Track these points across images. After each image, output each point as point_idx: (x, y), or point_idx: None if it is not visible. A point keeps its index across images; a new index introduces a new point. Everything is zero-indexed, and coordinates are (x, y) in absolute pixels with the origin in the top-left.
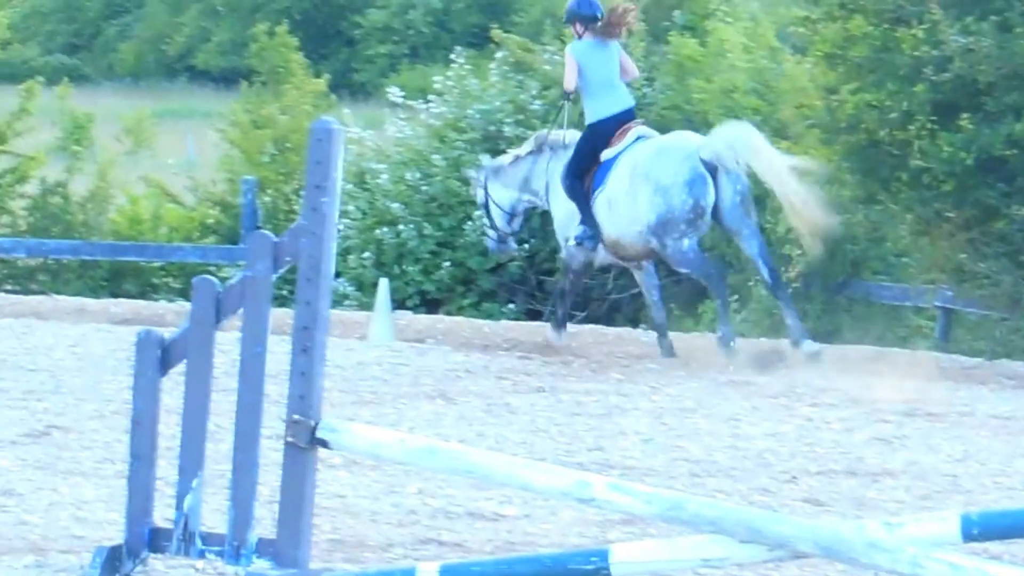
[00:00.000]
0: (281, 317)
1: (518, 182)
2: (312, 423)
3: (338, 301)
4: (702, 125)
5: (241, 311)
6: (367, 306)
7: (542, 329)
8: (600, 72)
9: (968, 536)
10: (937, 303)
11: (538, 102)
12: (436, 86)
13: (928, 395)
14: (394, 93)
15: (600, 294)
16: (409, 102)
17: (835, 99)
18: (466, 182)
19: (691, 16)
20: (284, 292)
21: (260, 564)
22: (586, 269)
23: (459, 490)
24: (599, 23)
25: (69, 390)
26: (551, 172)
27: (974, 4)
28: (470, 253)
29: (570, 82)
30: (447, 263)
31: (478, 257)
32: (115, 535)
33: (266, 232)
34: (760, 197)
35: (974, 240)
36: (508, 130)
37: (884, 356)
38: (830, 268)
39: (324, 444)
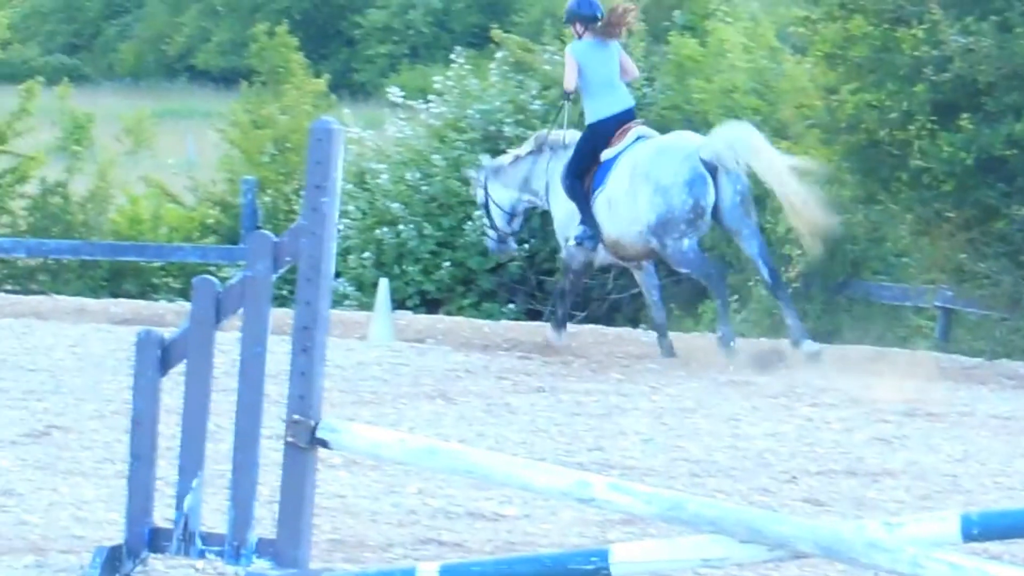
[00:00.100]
0: (281, 317)
1: (518, 182)
2: (312, 423)
3: (338, 301)
4: (702, 125)
5: (241, 311)
6: (367, 306)
7: (542, 329)
8: (600, 72)
9: (968, 536)
10: (937, 303)
11: (538, 102)
12: (436, 86)
13: (928, 395)
14: (394, 93)
15: (600, 294)
16: (409, 102)
17: (835, 99)
18: (466, 182)
19: (691, 16)
20: (284, 292)
21: (260, 564)
22: (586, 269)
23: (459, 490)
24: (599, 23)
25: (69, 390)
26: (551, 172)
27: (974, 4)
28: (470, 253)
29: (570, 82)
30: (447, 263)
31: (478, 257)
32: (115, 535)
33: (266, 232)
34: (760, 197)
35: (974, 240)
36: (508, 130)
37: (884, 356)
38: (830, 268)
39: (324, 444)
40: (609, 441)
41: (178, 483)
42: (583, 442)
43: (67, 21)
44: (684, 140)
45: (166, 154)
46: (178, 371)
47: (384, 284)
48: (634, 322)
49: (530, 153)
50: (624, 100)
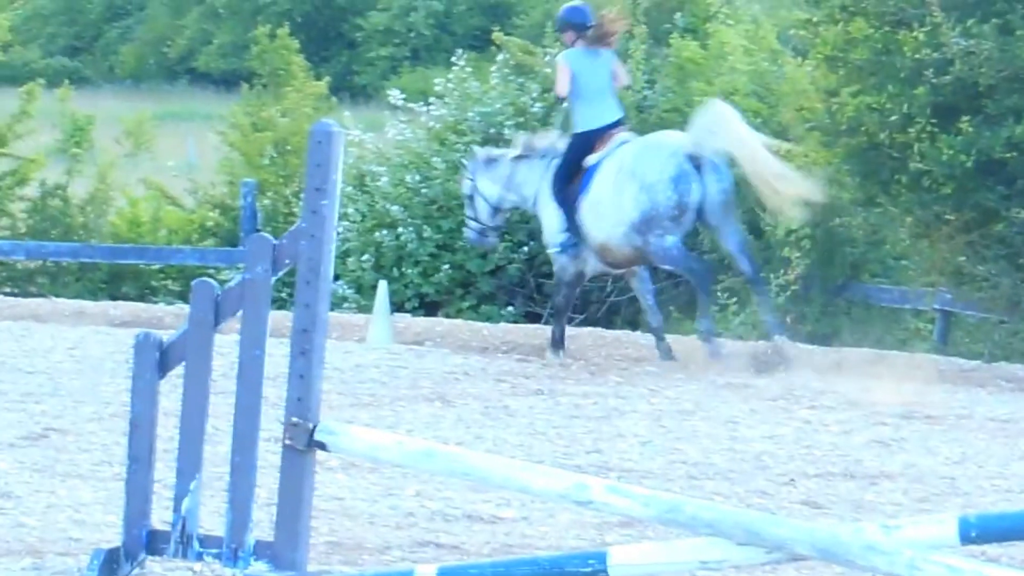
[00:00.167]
0: (280, 319)
1: (506, 181)
2: (310, 425)
3: (337, 304)
4: None
5: (240, 314)
6: (366, 309)
7: (541, 332)
8: (592, 81)
9: (966, 539)
10: (936, 306)
11: (539, 105)
12: (437, 88)
13: (926, 398)
14: (395, 95)
15: (599, 297)
16: (409, 104)
17: (836, 102)
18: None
19: (692, 19)
20: (283, 295)
21: (258, 566)
22: (578, 281)
23: (457, 492)
24: (590, 32)
25: (67, 392)
26: (541, 179)
27: (975, 6)
28: (469, 256)
29: (562, 88)
30: (446, 266)
31: (477, 260)
32: (113, 537)
33: (265, 235)
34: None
35: (973, 243)
36: (508, 133)
37: (883, 359)
38: (829, 271)
39: (322, 447)
40: (607, 443)
41: (176, 485)
42: (581, 444)
43: (68, 23)
44: (669, 138)
45: (166, 156)
46: (176, 374)
47: (383, 287)
48: (633, 325)
49: (521, 157)
50: (614, 112)
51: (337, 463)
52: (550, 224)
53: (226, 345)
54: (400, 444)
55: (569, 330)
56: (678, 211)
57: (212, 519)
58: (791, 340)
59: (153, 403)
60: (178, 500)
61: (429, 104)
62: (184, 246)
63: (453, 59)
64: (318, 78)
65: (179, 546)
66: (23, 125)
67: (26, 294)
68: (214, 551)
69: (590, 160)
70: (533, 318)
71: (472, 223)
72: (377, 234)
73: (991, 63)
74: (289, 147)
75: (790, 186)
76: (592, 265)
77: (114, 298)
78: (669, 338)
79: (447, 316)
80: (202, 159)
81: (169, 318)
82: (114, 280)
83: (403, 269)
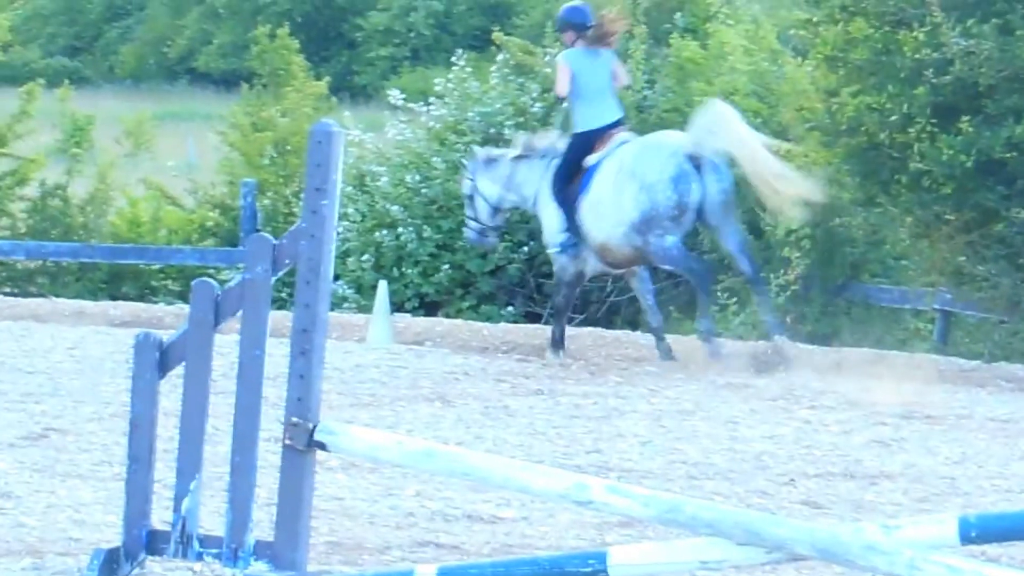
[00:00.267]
0: (280, 319)
1: (506, 181)
2: (310, 425)
3: (337, 304)
4: None
5: (240, 313)
6: (366, 308)
7: (541, 332)
8: (592, 81)
9: (966, 539)
10: (936, 306)
11: (539, 105)
12: (437, 88)
13: (926, 398)
14: (395, 95)
15: (599, 297)
16: (409, 104)
17: (836, 102)
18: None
19: (692, 19)
20: (283, 295)
21: (258, 566)
22: (578, 281)
23: (457, 492)
24: (590, 32)
25: (67, 392)
26: (541, 179)
27: (975, 6)
28: (469, 256)
29: (562, 87)
30: (446, 266)
31: (477, 260)
32: (113, 538)
33: (265, 235)
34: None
35: (973, 243)
36: (509, 133)
37: (883, 359)
38: (829, 271)
39: (322, 447)
40: (607, 444)
41: (176, 485)
42: (581, 444)
43: (68, 23)
44: (669, 138)
45: (166, 156)
46: (176, 373)
47: (383, 287)
48: (633, 325)
49: (521, 157)
50: (614, 112)
51: (337, 463)
52: (550, 224)
53: (226, 345)
54: (400, 444)
55: (569, 330)
56: (678, 211)
57: (212, 519)
58: (791, 340)
59: (153, 403)
60: (178, 500)
61: (429, 104)
62: (184, 246)
63: (453, 59)
64: (318, 78)
65: (179, 546)
66: (23, 125)
67: (26, 294)
68: (214, 551)
69: (590, 160)
70: (533, 318)
71: (472, 223)
72: (377, 234)
73: (991, 63)
74: (289, 147)
75: (790, 186)
76: (592, 265)
77: (114, 298)
78: (669, 338)
79: (447, 316)
80: (202, 159)
81: (169, 318)
82: (114, 280)
83: (403, 269)
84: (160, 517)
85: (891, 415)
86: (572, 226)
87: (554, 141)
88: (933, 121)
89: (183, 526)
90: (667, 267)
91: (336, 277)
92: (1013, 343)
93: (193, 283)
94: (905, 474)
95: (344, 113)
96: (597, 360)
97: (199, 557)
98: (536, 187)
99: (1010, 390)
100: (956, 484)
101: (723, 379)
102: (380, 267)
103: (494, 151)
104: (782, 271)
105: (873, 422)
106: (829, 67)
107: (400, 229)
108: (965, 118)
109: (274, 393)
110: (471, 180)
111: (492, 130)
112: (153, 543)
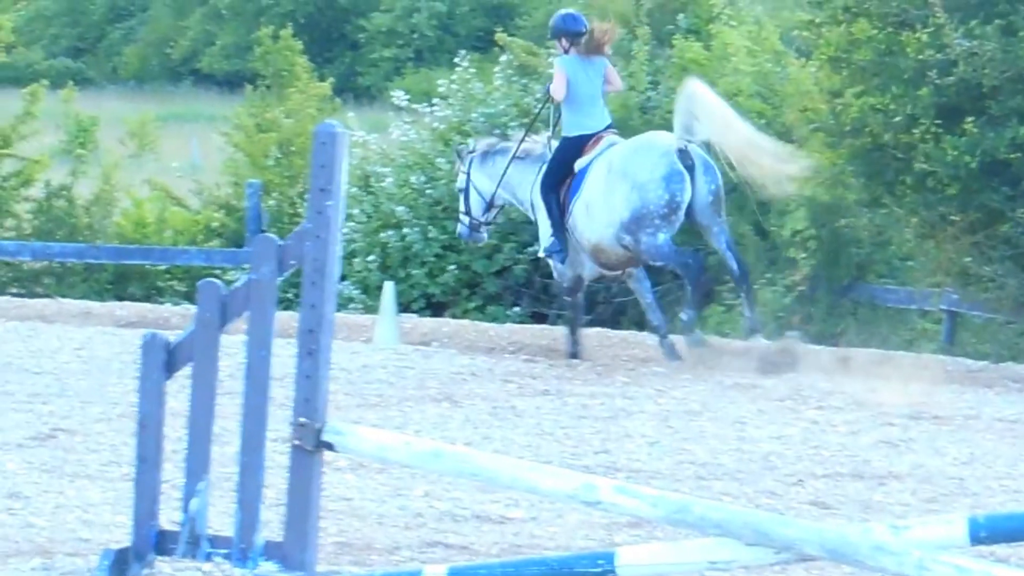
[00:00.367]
0: (286, 320)
1: (500, 179)
2: (318, 426)
3: (343, 304)
4: None
5: (246, 314)
6: (372, 309)
7: (547, 332)
8: (585, 88)
9: (975, 539)
10: (942, 306)
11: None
12: (440, 89)
13: (934, 398)
14: (398, 96)
15: (605, 297)
16: (413, 105)
17: (839, 102)
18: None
19: (695, 20)
20: (289, 295)
21: (267, 567)
22: (578, 285)
23: (465, 493)
24: (584, 39)
25: (75, 393)
26: (534, 182)
27: (978, 7)
28: (475, 256)
29: (559, 92)
30: (452, 266)
31: (483, 260)
32: (122, 538)
33: (271, 235)
34: (764, 201)
35: (979, 243)
36: (512, 134)
37: (889, 359)
38: (835, 271)
39: (330, 447)
40: (615, 444)
41: (184, 486)
42: (589, 445)
43: (71, 25)
44: (659, 138)
45: (170, 158)
46: (184, 374)
47: (389, 287)
48: (639, 325)
49: (519, 158)
50: (603, 119)
51: (346, 463)
52: (542, 228)
53: (233, 346)
54: (408, 444)
55: None
56: (668, 209)
57: (221, 519)
58: (768, 341)
59: (161, 403)
60: (187, 500)
61: (433, 105)
62: (190, 247)
63: (456, 60)
64: (322, 79)
65: (188, 546)
66: (27, 126)
67: (32, 295)
68: (223, 551)
69: (581, 163)
70: (539, 318)
71: (464, 218)
72: (382, 235)
73: (994, 64)
74: (293, 148)
75: (776, 161)
76: (589, 269)
77: (120, 299)
78: (672, 337)
79: (453, 316)
80: (206, 160)
81: (175, 318)
82: (120, 281)
83: (409, 270)
84: (169, 517)
85: (899, 416)
86: (558, 231)
87: (545, 145)
88: (937, 122)
89: (192, 526)
90: (660, 264)
91: (342, 278)
92: (1020, 343)
93: (199, 284)
94: (913, 474)
95: (348, 114)
96: (604, 360)
97: (208, 557)
98: (530, 190)
99: (1017, 390)
100: (964, 484)
101: (730, 379)
102: (386, 268)
103: (494, 142)
104: (788, 272)
105: (881, 423)
106: (833, 68)
107: (405, 230)
108: (969, 119)
109: (281, 393)
110: (466, 174)
111: (496, 131)
112: (162, 543)
